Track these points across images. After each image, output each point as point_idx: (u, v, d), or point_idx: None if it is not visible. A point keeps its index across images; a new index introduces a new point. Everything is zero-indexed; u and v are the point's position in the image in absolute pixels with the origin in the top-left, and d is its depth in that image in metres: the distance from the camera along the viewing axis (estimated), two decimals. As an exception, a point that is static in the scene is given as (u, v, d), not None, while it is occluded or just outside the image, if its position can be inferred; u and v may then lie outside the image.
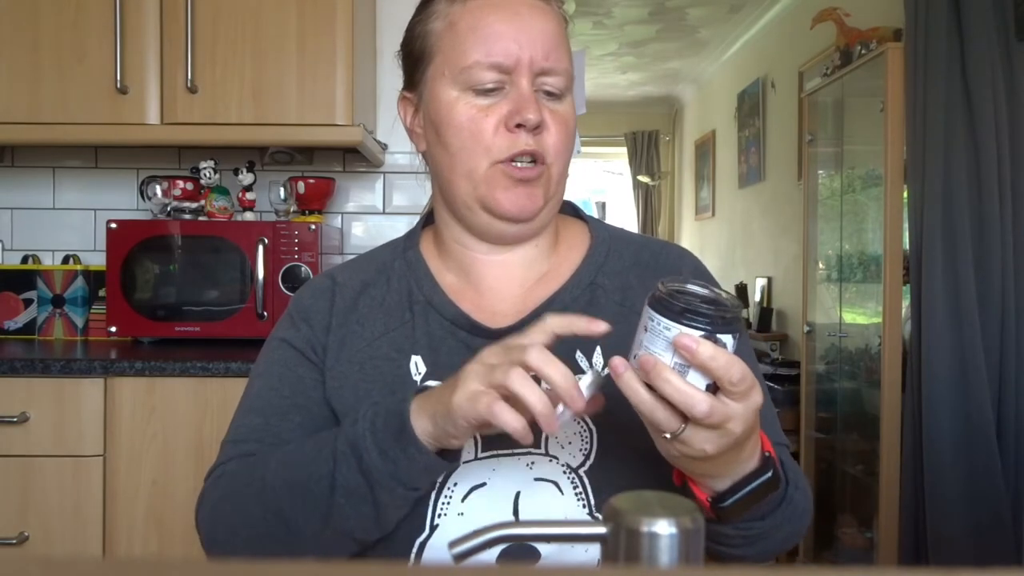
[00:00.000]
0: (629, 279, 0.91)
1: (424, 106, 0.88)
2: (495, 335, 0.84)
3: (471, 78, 0.83)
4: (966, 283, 2.29)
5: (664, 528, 0.46)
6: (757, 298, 4.71)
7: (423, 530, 0.80)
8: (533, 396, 0.65)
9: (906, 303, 2.66)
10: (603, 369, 0.68)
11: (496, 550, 0.76)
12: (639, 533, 0.46)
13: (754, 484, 0.71)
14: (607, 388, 0.79)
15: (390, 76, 2.32)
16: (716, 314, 0.64)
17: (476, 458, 0.81)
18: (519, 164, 0.84)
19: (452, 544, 0.53)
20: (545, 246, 0.92)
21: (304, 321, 0.90)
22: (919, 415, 2.38)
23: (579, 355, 0.84)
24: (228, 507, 0.81)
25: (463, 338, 0.86)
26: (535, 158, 0.84)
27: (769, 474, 0.71)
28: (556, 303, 0.87)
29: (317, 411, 0.86)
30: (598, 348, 0.85)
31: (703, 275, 0.94)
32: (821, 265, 3.34)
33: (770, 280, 4.64)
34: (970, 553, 2.25)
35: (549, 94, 0.85)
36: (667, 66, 6.10)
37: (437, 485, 0.81)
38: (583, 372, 0.83)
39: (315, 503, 0.74)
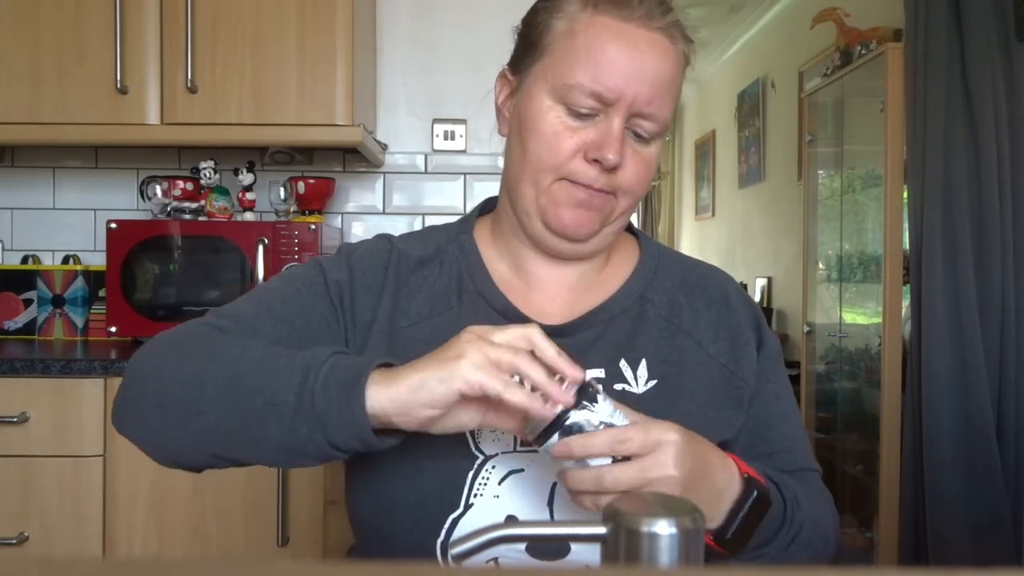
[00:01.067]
0: (677, 297, 0.91)
1: (518, 96, 0.87)
2: (545, 331, 0.85)
3: (569, 97, 0.81)
4: (966, 283, 2.29)
5: (664, 528, 0.46)
6: (757, 298, 4.72)
7: (457, 507, 0.79)
8: (542, 377, 0.66)
9: (906, 303, 2.65)
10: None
11: (523, 544, 0.76)
12: (639, 533, 0.46)
13: (745, 507, 0.72)
14: (658, 401, 0.83)
15: (390, 76, 2.32)
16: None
17: (514, 450, 0.81)
18: (587, 188, 0.83)
19: (452, 544, 0.53)
20: (599, 261, 0.92)
21: (348, 267, 0.88)
22: (919, 415, 2.38)
23: (623, 363, 0.85)
24: (165, 347, 0.79)
25: None
26: (601, 190, 0.83)
27: (755, 494, 0.73)
28: (606, 311, 0.88)
29: (304, 340, 0.84)
30: (643, 360, 0.85)
31: (747, 303, 0.94)
32: (821, 265, 3.34)
33: (770, 280, 4.64)
34: (970, 553, 2.25)
35: (638, 136, 0.83)
36: (667, 66, 6.09)
37: (475, 466, 0.80)
38: (625, 382, 0.84)
39: (237, 393, 0.71)
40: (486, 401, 0.68)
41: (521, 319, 0.86)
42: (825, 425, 3.25)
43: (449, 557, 0.79)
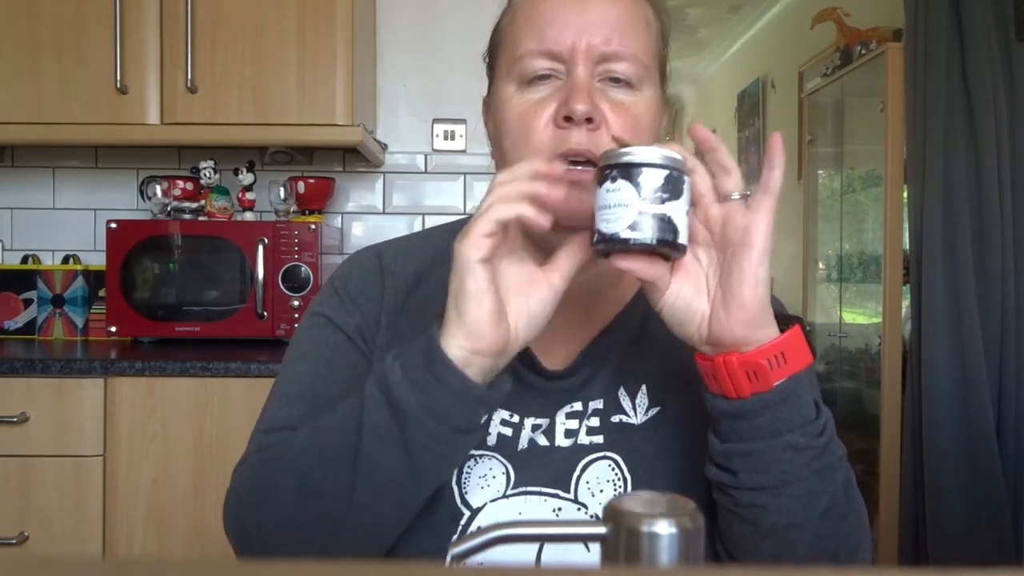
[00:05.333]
0: None
1: (491, 106, 0.81)
2: (550, 376, 0.79)
3: (523, 68, 0.75)
4: (966, 283, 2.29)
5: (664, 528, 0.46)
6: (757, 298, 4.71)
7: None
8: (524, 187, 0.65)
9: (906, 303, 2.66)
10: None
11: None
12: (639, 533, 0.46)
13: (788, 327, 0.67)
14: (658, 432, 0.77)
15: (390, 76, 2.32)
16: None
17: (504, 496, 0.76)
18: (571, 166, 0.73)
19: (452, 544, 0.53)
20: (604, 269, 0.83)
21: (354, 304, 0.82)
22: (919, 415, 2.38)
23: (621, 392, 0.79)
24: (256, 492, 0.73)
25: (514, 366, 0.76)
26: (588, 159, 0.71)
27: (795, 325, 0.68)
28: (611, 336, 0.80)
29: None
30: (643, 387, 0.79)
31: (775, 304, 0.86)
32: (821, 265, 3.34)
33: (770, 280, 4.64)
34: (970, 553, 2.25)
35: (615, 81, 0.74)
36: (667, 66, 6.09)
37: (460, 527, 0.74)
38: (623, 413, 0.78)
39: (343, 456, 0.66)
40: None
41: (526, 358, 0.78)
42: (825, 425, 3.26)
43: (449, 557, 0.78)
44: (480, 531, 0.52)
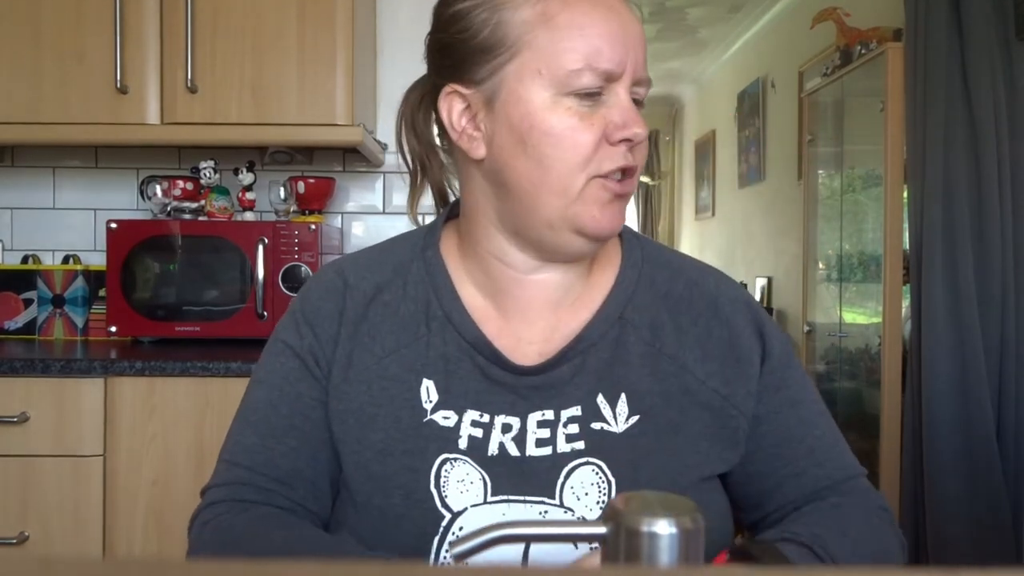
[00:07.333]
0: (660, 315, 0.83)
1: (498, 106, 0.77)
2: (518, 371, 0.79)
3: (577, 83, 0.74)
4: (966, 283, 2.29)
5: (664, 528, 0.46)
6: (757, 298, 4.72)
7: None
8: None
9: (906, 303, 2.66)
10: None
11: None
12: (639, 533, 0.46)
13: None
14: (641, 441, 0.78)
15: (390, 76, 2.32)
16: None
17: (485, 502, 0.76)
18: (616, 179, 0.77)
19: (453, 544, 0.52)
20: (582, 267, 0.83)
21: (308, 326, 0.83)
22: (919, 415, 2.38)
23: (600, 399, 0.79)
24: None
25: (481, 364, 0.80)
26: (627, 173, 0.77)
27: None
28: (584, 341, 0.80)
29: (314, 434, 0.81)
30: (623, 395, 0.79)
31: (742, 309, 0.85)
32: (821, 265, 3.34)
33: (770, 280, 4.64)
34: (970, 553, 2.25)
35: (637, 103, 0.78)
36: (667, 66, 6.10)
37: (440, 529, 0.75)
38: (603, 420, 0.78)
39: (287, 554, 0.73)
40: None
41: (494, 354, 0.80)
42: (825, 425, 3.25)
43: (450, 557, 0.78)
44: (479, 531, 0.52)
